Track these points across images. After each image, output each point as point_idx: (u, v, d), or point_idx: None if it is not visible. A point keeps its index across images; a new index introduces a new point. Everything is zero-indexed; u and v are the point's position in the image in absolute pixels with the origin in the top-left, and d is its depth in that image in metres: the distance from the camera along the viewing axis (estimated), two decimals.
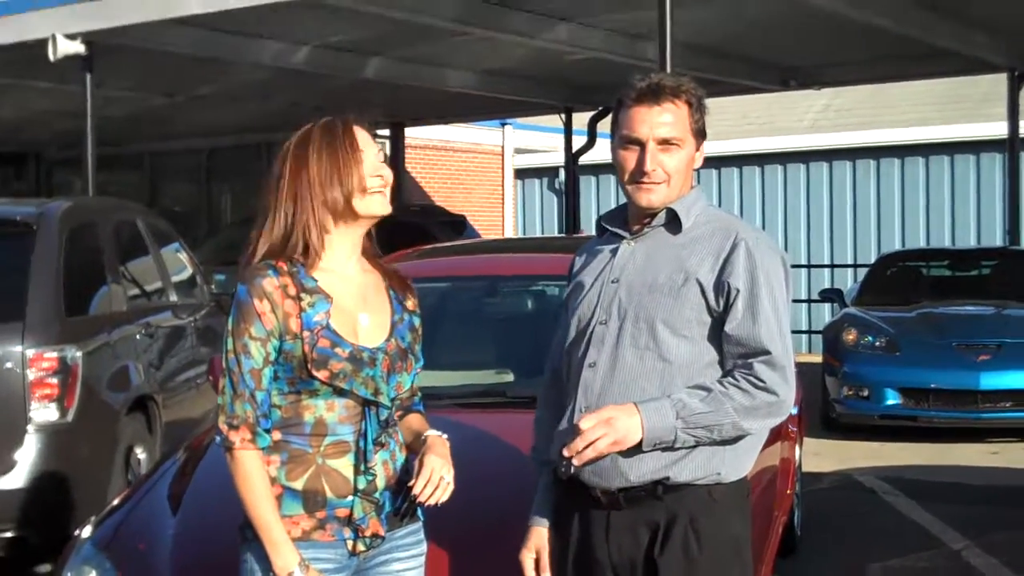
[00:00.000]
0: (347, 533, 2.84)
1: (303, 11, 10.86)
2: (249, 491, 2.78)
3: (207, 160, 21.20)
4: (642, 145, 2.99)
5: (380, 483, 2.87)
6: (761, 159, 18.90)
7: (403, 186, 18.88)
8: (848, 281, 16.45)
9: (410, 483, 2.86)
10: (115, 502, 4.19)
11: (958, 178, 17.78)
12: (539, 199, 21.56)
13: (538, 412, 3.26)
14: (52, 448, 6.26)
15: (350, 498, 2.83)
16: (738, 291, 2.91)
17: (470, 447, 3.38)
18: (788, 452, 5.79)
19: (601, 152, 15.09)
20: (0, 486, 6.15)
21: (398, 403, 2.97)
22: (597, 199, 19.83)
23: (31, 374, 6.22)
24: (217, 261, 11.91)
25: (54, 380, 6.25)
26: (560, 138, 18.17)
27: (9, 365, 6.23)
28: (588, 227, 15.73)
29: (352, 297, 2.90)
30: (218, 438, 2.83)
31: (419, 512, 3.00)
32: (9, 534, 6.17)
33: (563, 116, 17.40)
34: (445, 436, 2.98)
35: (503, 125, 21.76)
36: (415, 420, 3.06)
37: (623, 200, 3.14)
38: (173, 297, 8.29)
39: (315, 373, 2.80)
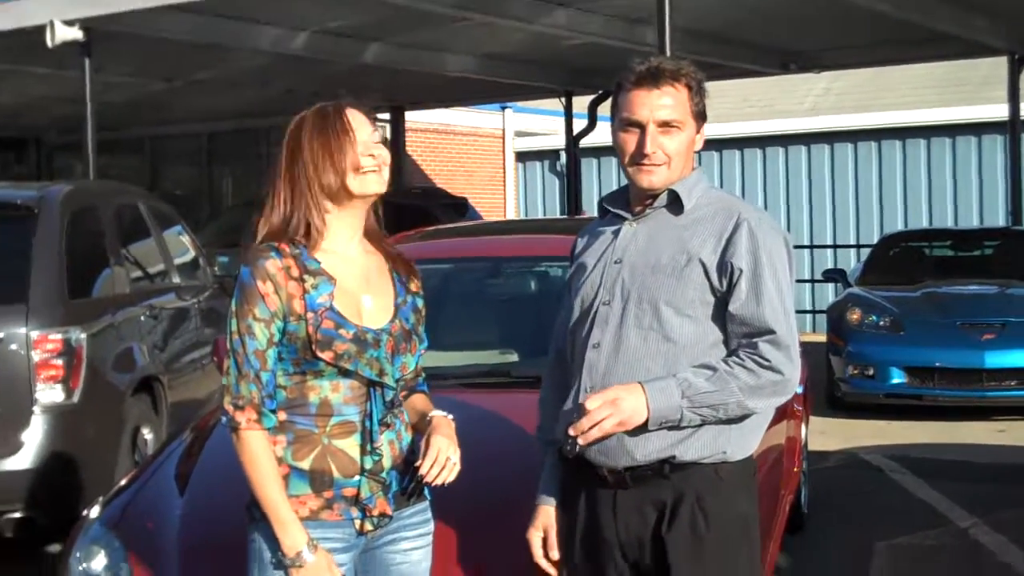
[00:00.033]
0: (354, 513, 2.85)
1: None
2: (256, 471, 2.79)
3: (208, 144, 21.20)
4: (642, 128, 2.99)
5: (387, 463, 2.87)
6: (762, 141, 18.88)
7: (404, 169, 18.87)
8: (851, 261, 16.45)
9: (417, 463, 2.86)
10: (122, 482, 4.19)
11: (960, 159, 17.76)
12: (540, 181, 21.54)
13: (542, 392, 3.26)
14: (58, 429, 6.28)
15: (357, 478, 2.84)
16: (741, 271, 2.91)
17: (475, 427, 3.40)
18: (794, 431, 5.81)
19: (602, 135, 15.08)
20: (7, 467, 6.18)
21: (403, 384, 2.98)
22: (598, 181, 19.81)
23: (36, 356, 6.23)
24: (219, 244, 11.91)
25: (59, 361, 6.26)
26: (560, 121, 18.16)
27: (14, 347, 6.24)
28: (590, 209, 15.72)
29: (355, 278, 2.90)
30: (224, 419, 2.84)
31: (426, 492, 3.00)
32: (17, 515, 6.19)
33: (563, 100, 17.38)
34: (450, 416, 2.98)
35: (503, 109, 21.74)
36: (420, 400, 3.06)
37: (624, 182, 3.13)
38: (176, 279, 8.30)
39: (319, 354, 2.80)
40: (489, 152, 22.12)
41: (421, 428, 2.96)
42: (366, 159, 2.87)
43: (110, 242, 7.41)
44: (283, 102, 15.30)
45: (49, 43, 10.91)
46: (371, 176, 2.88)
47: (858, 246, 17.46)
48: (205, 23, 11.71)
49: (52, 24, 10.87)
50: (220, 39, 12.20)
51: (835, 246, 18.10)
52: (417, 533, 2.99)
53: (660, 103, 2.97)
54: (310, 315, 2.80)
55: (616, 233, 3.08)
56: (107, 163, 14.13)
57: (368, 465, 2.84)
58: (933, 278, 11.66)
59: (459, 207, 15.37)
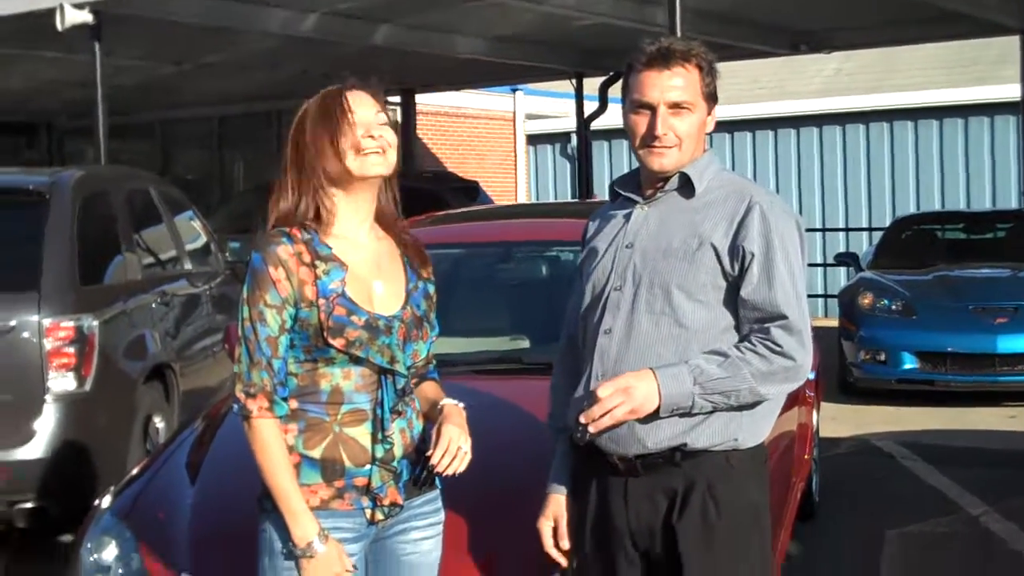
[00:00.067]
0: (365, 502, 2.85)
1: None
2: (267, 460, 2.78)
3: (218, 128, 21.18)
4: (653, 109, 2.97)
5: (398, 451, 2.87)
6: (774, 123, 18.82)
7: (415, 153, 18.84)
8: (863, 245, 16.40)
9: (428, 453, 2.86)
10: (134, 472, 4.19)
11: (972, 140, 17.69)
12: (551, 164, 21.50)
13: (554, 379, 3.25)
14: (70, 418, 6.25)
15: (368, 467, 2.83)
16: (753, 255, 2.90)
17: (486, 414, 3.39)
18: (805, 417, 5.78)
19: (613, 117, 15.03)
20: (19, 456, 6.15)
21: (414, 371, 2.97)
22: (610, 164, 19.77)
23: (48, 344, 6.20)
24: (231, 229, 11.88)
25: (71, 349, 6.24)
26: (571, 103, 18.10)
27: (26, 335, 6.21)
28: (601, 192, 15.69)
29: (366, 264, 2.89)
30: (235, 407, 2.83)
31: (436, 481, 3.00)
32: (29, 504, 6.16)
33: (574, 81, 17.32)
34: (461, 404, 2.97)
35: (514, 91, 21.68)
36: (431, 388, 3.06)
37: (636, 165, 3.12)
38: (188, 265, 8.27)
39: (331, 341, 2.79)
40: (500, 135, 22.07)
41: (432, 417, 2.95)
42: (367, 140, 2.85)
43: (122, 228, 7.38)
44: (293, 85, 15.25)
45: (59, 26, 10.87)
46: (373, 158, 2.86)
47: (870, 229, 17.41)
48: (215, 5, 11.67)
49: (62, 7, 10.83)
50: (230, 21, 12.15)
51: (847, 229, 18.05)
52: (428, 523, 2.98)
53: (671, 84, 2.96)
54: (322, 301, 2.79)
55: (627, 217, 3.06)
56: (118, 148, 14.09)
57: (379, 454, 2.83)
58: (945, 261, 11.60)
59: (470, 191, 15.31)
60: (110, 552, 3.57)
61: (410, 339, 2.90)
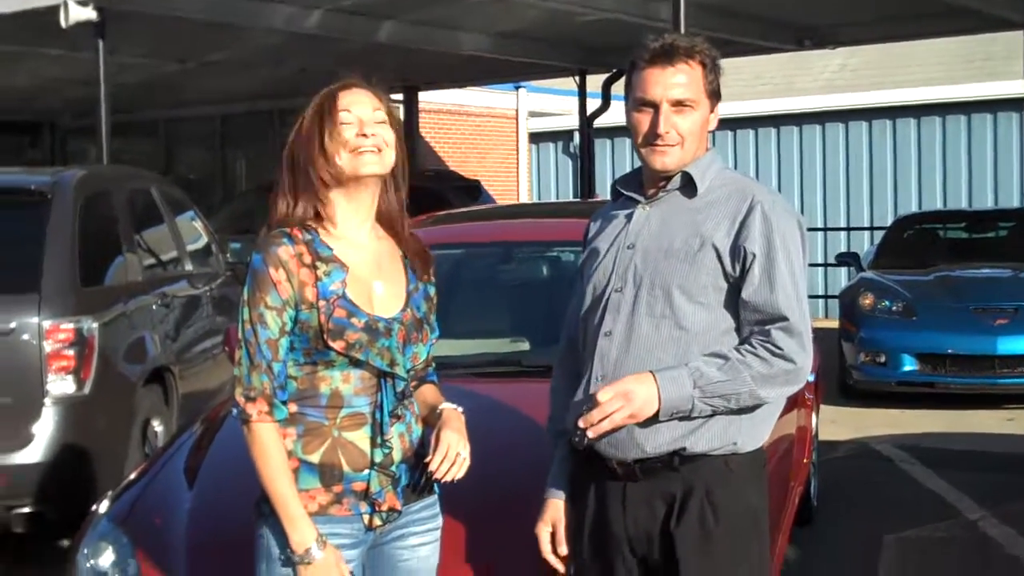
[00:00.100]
0: (364, 507, 2.84)
1: None
2: (266, 464, 2.78)
3: (221, 126, 21.17)
4: (656, 107, 2.96)
5: (397, 456, 2.86)
6: (776, 120, 18.81)
7: (417, 151, 18.83)
8: (865, 244, 16.38)
9: (427, 459, 2.85)
10: (132, 476, 4.18)
11: (975, 138, 17.67)
12: (554, 163, 21.49)
13: (554, 381, 3.25)
14: (69, 421, 6.20)
15: (367, 471, 2.82)
16: (754, 256, 2.90)
17: (485, 418, 3.37)
18: (805, 420, 5.76)
19: (616, 115, 15.00)
20: (18, 460, 6.10)
21: (413, 374, 2.96)
22: (612, 162, 19.76)
23: (48, 346, 6.15)
24: (232, 229, 11.88)
25: (71, 352, 6.19)
26: (574, 100, 18.08)
27: (26, 337, 6.17)
28: (603, 191, 15.67)
29: (367, 265, 2.88)
30: (235, 411, 2.82)
31: (435, 486, 2.99)
32: (27, 509, 6.11)
33: (577, 78, 17.31)
34: (460, 409, 2.96)
35: (517, 88, 21.66)
36: (430, 392, 3.05)
37: (638, 163, 3.11)
38: (189, 266, 8.24)
39: (331, 343, 2.78)
40: (502, 133, 22.05)
41: (431, 421, 2.95)
42: (360, 139, 2.84)
43: (123, 228, 7.36)
44: (296, 82, 15.26)
45: (63, 23, 10.86)
46: (367, 157, 2.84)
47: (871, 228, 17.39)
48: (219, 2, 11.67)
49: (65, 4, 10.81)
50: (234, 18, 12.16)
51: (848, 228, 18.04)
52: (425, 528, 2.98)
53: (674, 81, 2.95)
54: (322, 303, 2.79)
55: (629, 217, 3.06)
56: (121, 147, 14.12)
57: (378, 458, 2.83)
58: (947, 261, 11.59)
59: (472, 190, 15.29)
60: (107, 558, 3.56)
61: (410, 341, 2.89)
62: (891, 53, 19.14)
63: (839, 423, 9.39)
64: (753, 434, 3.00)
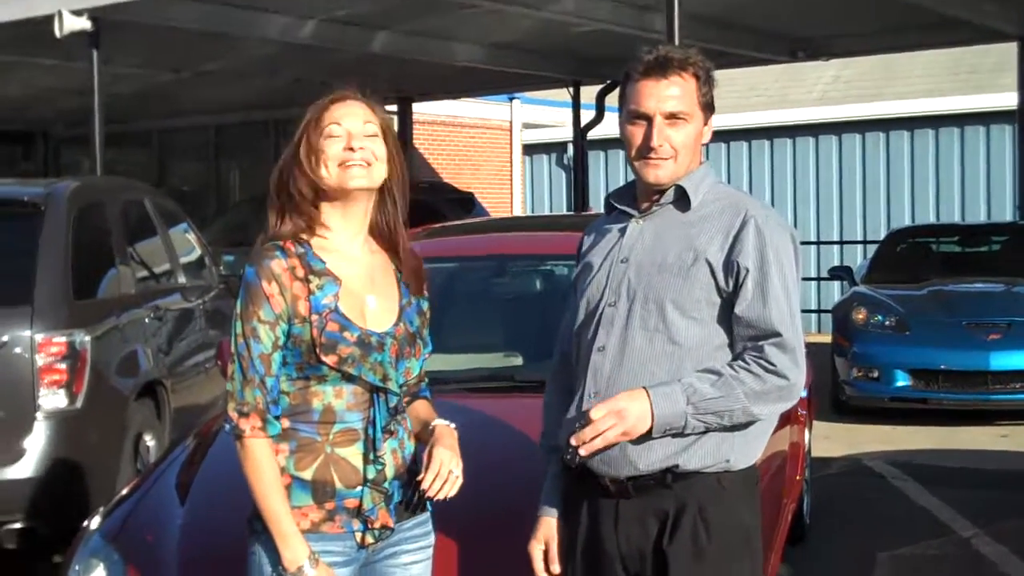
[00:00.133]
0: (356, 525, 2.83)
1: None
2: (259, 481, 2.76)
3: (215, 137, 21.16)
4: (649, 120, 2.96)
5: (389, 472, 2.85)
6: (770, 132, 18.84)
7: (411, 163, 18.83)
8: (858, 258, 16.40)
9: (419, 476, 2.84)
10: (123, 492, 4.16)
11: (968, 150, 17.71)
12: (547, 175, 21.50)
13: (547, 397, 3.23)
14: (61, 436, 6.16)
15: (359, 488, 2.81)
16: (747, 270, 2.89)
17: (478, 433, 3.36)
18: (798, 436, 5.75)
19: (609, 127, 15.04)
20: (8, 475, 6.06)
21: (406, 389, 2.95)
22: (606, 174, 19.78)
23: (40, 359, 6.12)
24: (226, 242, 11.88)
25: (63, 365, 6.15)
26: (568, 112, 18.10)
27: (18, 350, 6.14)
28: (597, 203, 15.69)
29: (359, 279, 2.87)
30: (228, 426, 2.80)
31: (427, 503, 2.98)
32: (18, 525, 6.07)
33: (571, 90, 17.33)
34: (453, 425, 2.95)
35: (511, 100, 21.67)
36: (422, 408, 3.04)
37: (632, 175, 3.11)
38: (182, 279, 8.22)
39: (323, 358, 2.77)
40: (496, 145, 22.05)
41: (424, 438, 2.94)
42: (347, 152, 2.82)
43: (116, 241, 7.34)
44: (291, 92, 15.27)
45: (57, 33, 10.88)
46: (354, 171, 2.82)
47: (865, 242, 17.41)
48: (213, 11, 11.69)
49: (60, 14, 10.84)
50: (228, 28, 12.17)
51: (841, 242, 18.05)
52: (418, 546, 2.96)
53: (667, 94, 2.95)
54: (314, 317, 2.77)
55: (623, 231, 3.05)
56: (115, 157, 14.12)
57: (371, 475, 2.81)
58: (940, 275, 11.58)
59: (465, 203, 15.29)
60: (98, 574, 3.55)
61: (402, 356, 2.88)
62: (885, 65, 19.19)
63: (832, 439, 9.37)
64: (746, 451, 3.00)
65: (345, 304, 2.81)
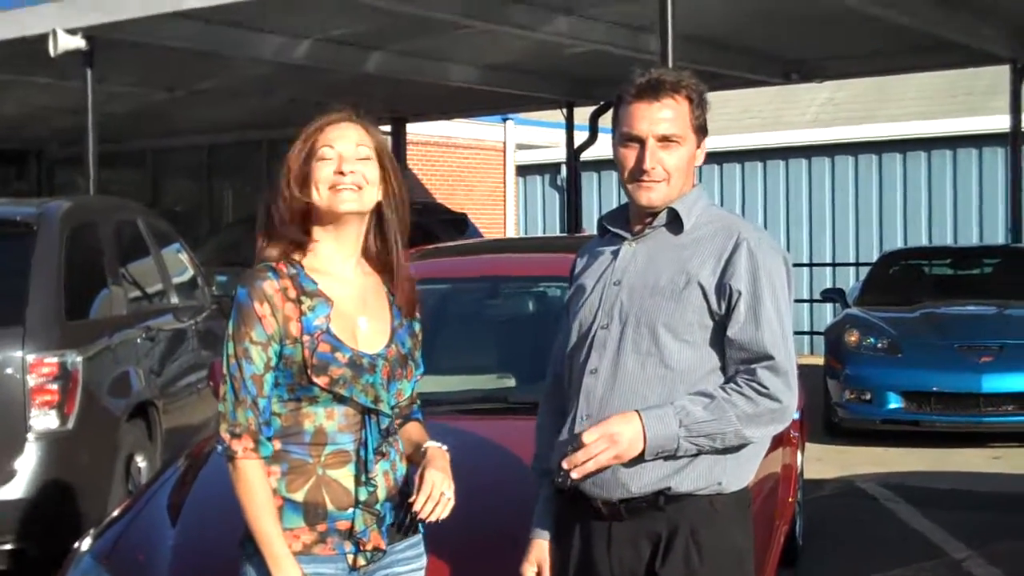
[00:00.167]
0: (348, 547, 2.82)
1: (303, 3, 10.86)
2: (251, 502, 2.76)
3: (208, 157, 21.16)
4: (642, 142, 2.96)
5: (381, 494, 2.84)
6: (763, 154, 18.87)
7: (406, 184, 18.81)
8: (850, 280, 16.41)
9: (411, 498, 2.84)
10: (115, 513, 4.16)
11: (960, 173, 17.73)
12: (541, 196, 21.52)
13: (540, 419, 3.23)
14: (52, 457, 6.15)
15: (351, 510, 2.80)
16: (740, 293, 2.90)
17: (470, 455, 3.35)
18: (790, 459, 5.74)
19: (603, 148, 15.04)
20: (0, 496, 6.04)
21: (398, 411, 2.94)
22: (599, 195, 19.79)
23: (31, 380, 6.10)
24: (218, 262, 11.87)
25: (54, 386, 6.14)
26: (562, 133, 18.14)
27: (9, 371, 6.13)
28: (590, 224, 15.69)
29: (352, 300, 2.87)
30: (220, 447, 2.79)
31: (419, 525, 2.97)
32: (9, 546, 6.05)
33: (564, 111, 17.37)
34: (445, 447, 2.95)
35: (504, 120, 21.71)
36: (414, 430, 3.03)
37: (625, 197, 3.11)
38: (174, 299, 8.21)
39: (315, 379, 2.77)
40: (490, 165, 22.08)
41: (416, 460, 2.93)
42: (337, 176, 2.82)
43: (109, 261, 7.33)
44: (285, 113, 15.32)
45: (52, 52, 10.90)
46: (344, 194, 2.82)
47: (857, 264, 17.43)
48: (207, 31, 11.71)
49: (54, 33, 10.86)
50: (222, 48, 12.20)
51: (834, 264, 18.06)
52: (410, 568, 2.95)
53: (660, 116, 2.95)
54: (306, 338, 2.77)
55: (615, 253, 3.05)
56: (108, 177, 14.11)
57: (363, 496, 2.81)
58: (932, 298, 11.60)
59: (458, 224, 15.28)
60: None
61: (394, 378, 2.88)
62: (878, 88, 19.25)
63: (825, 461, 9.36)
64: (738, 474, 3.00)
65: (337, 325, 2.81)
